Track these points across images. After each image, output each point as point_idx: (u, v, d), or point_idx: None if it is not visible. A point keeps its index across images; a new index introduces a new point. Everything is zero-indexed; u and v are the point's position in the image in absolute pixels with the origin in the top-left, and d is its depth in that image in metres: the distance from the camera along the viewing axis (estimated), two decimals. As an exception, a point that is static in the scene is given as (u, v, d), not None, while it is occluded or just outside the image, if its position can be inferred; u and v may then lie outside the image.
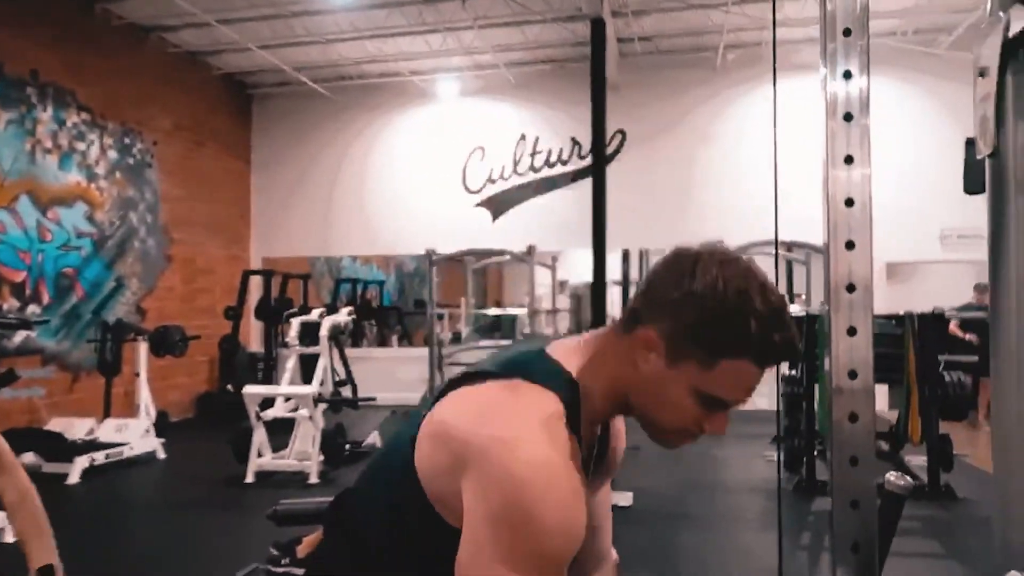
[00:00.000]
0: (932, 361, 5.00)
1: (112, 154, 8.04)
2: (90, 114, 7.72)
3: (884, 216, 8.91)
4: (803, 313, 5.46)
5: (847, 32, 1.18)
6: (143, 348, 7.12)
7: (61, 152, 7.36)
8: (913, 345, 4.99)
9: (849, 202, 1.19)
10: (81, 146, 7.62)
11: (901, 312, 5.16)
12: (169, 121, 8.92)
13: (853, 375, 1.18)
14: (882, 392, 7.77)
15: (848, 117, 1.18)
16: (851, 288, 1.17)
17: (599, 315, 9.26)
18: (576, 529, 0.90)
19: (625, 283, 14.19)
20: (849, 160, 1.19)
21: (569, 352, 1.04)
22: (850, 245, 1.17)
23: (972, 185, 1.21)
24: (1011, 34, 0.98)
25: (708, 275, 0.95)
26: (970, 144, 1.20)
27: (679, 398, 0.97)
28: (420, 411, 1.07)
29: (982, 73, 1.02)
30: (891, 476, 1.07)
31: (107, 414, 6.93)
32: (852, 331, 1.15)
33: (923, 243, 9.04)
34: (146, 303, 8.48)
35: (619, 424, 1.21)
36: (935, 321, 5.01)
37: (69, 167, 7.46)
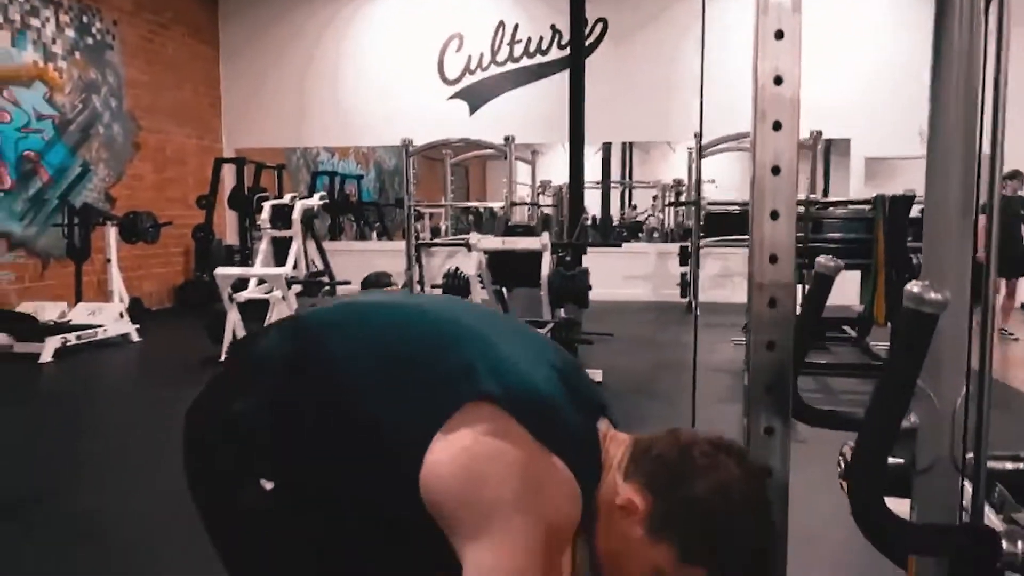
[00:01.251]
0: (901, 243, 5.02)
1: (70, 33, 7.68)
2: (43, -12, 7.34)
3: (862, 112, 8.79)
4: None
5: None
6: (113, 233, 7.02)
7: (14, 28, 7.02)
8: (883, 228, 5.01)
9: (777, 125, 1.08)
10: (35, 22, 7.26)
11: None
12: (129, 0, 8.50)
13: (773, 259, 1.11)
14: (853, 280, 7.86)
15: (779, 35, 1.06)
16: (775, 215, 1.08)
17: (576, 212, 9.24)
18: None
19: (605, 184, 14.06)
20: (778, 81, 1.07)
21: (614, 452, 1.05)
22: (776, 170, 1.08)
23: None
24: None
25: (717, 484, 0.98)
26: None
27: (639, 572, 1.00)
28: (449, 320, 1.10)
29: None
30: (821, 259, 1.07)
31: (79, 299, 6.89)
32: (773, 258, 1.08)
33: (902, 140, 8.95)
34: (115, 191, 8.31)
35: None
36: (905, 204, 5.01)
37: (24, 45, 7.13)
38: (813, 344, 5.68)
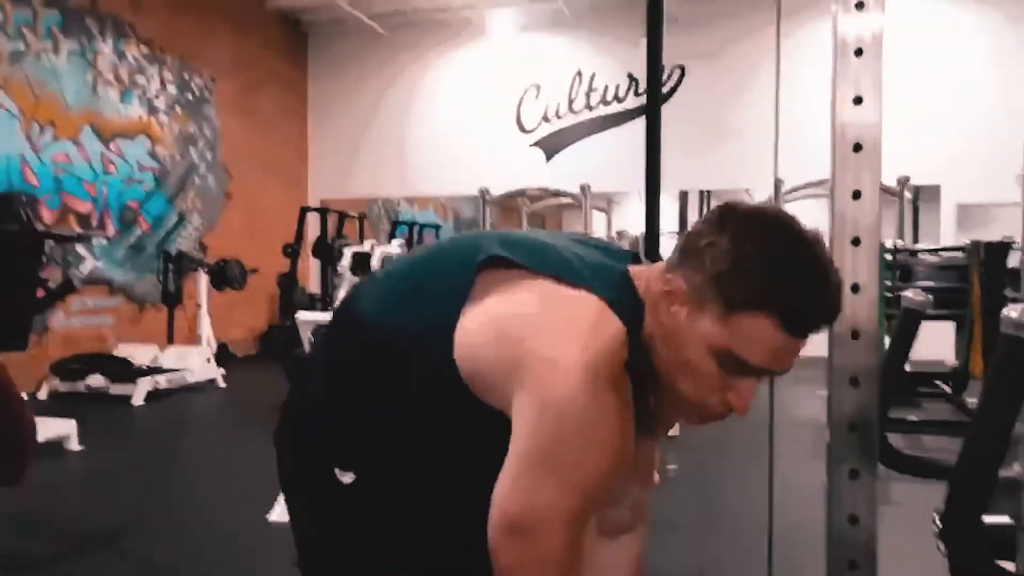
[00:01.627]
0: (998, 292, 4.76)
1: (172, 89, 8.19)
2: (149, 47, 7.86)
3: (952, 156, 8.44)
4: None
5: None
6: (204, 280, 7.33)
7: (122, 85, 7.53)
8: (979, 276, 4.76)
9: (857, 147, 1.05)
10: (141, 80, 7.78)
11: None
12: (226, 57, 9.02)
13: (856, 288, 1.05)
14: (948, 331, 7.46)
15: (859, 52, 1.05)
16: (856, 241, 1.04)
17: (652, 260, 9.12)
18: (621, 465, 0.92)
19: (683, 232, 13.90)
20: (858, 101, 1.04)
21: (648, 283, 0.99)
22: (856, 195, 1.04)
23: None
24: None
25: (741, 225, 0.91)
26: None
27: (699, 358, 0.91)
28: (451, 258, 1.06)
29: None
30: (909, 293, 1.00)
31: (170, 342, 7.18)
32: (856, 287, 1.04)
33: (996, 185, 8.53)
34: (207, 239, 8.71)
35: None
36: (1001, 251, 4.76)
37: (130, 100, 7.64)
38: (904, 399, 5.40)
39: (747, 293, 0.87)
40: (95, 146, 7.24)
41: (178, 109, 8.30)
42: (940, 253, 5.42)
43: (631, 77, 9.61)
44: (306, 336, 5.83)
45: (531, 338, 0.90)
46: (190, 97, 8.47)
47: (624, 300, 0.95)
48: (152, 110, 7.94)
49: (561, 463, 0.87)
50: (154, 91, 7.96)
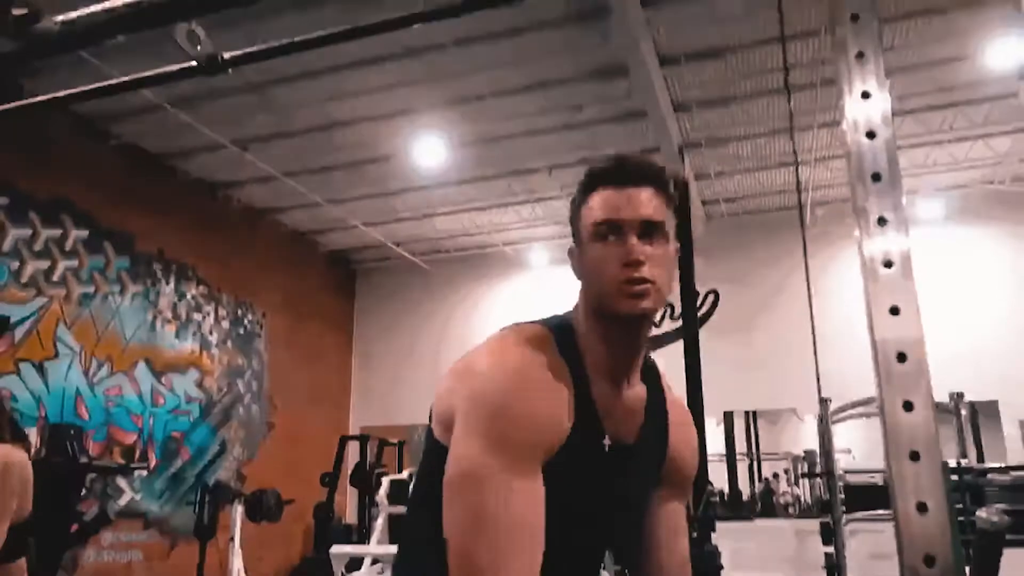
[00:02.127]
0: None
1: (225, 324, 8.58)
2: (207, 287, 8.36)
3: (1009, 370, 8.22)
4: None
5: (876, 177, 1.11)
6: (239, 511, 7.15)
7: (179, 322, 7.93)
8: (1058, 497, 4.43)
9: (901, 357, 1.03)
10: (197, 316, 8.19)
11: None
12: (278, 295, 9.52)
13: (922, 507, 0.99)
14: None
15: (888, 264, 1.09)
16: (915, 456, 1.00)
17: (701, 485, 8.75)
18: (546, 422, 1.05)
19: (730, 456, 13.33)
20: (895, 311, 1.05)
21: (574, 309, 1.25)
22: (908, 406, 1.03)
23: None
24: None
25: None
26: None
27: (590, 254, 1.16)
28: None
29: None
30: (982, 513, 0.91)
31: (199, 579, 6.87)
32: (922, 506, 0.99)
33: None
34: (247, 469, 8.64)
35: (685, 432, 1.33)
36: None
37: (185, 336, 7.99)
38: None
39: (581, 192, 1.20)
40: (147, 380, 7.48)
41: (229, 343, 8.64)
42: (1010, 472, 5.11)
43: (667, 303, 9.82)
44: (339, 571, 5.56)
45: (463, 362, 1.14)
46: (241, 331, 8.85)
47: (553, 321, 1.20)
48: (205, 344, 8.27)
49: (481, 427, 1.01)
50: (208, 327, 8.35)
